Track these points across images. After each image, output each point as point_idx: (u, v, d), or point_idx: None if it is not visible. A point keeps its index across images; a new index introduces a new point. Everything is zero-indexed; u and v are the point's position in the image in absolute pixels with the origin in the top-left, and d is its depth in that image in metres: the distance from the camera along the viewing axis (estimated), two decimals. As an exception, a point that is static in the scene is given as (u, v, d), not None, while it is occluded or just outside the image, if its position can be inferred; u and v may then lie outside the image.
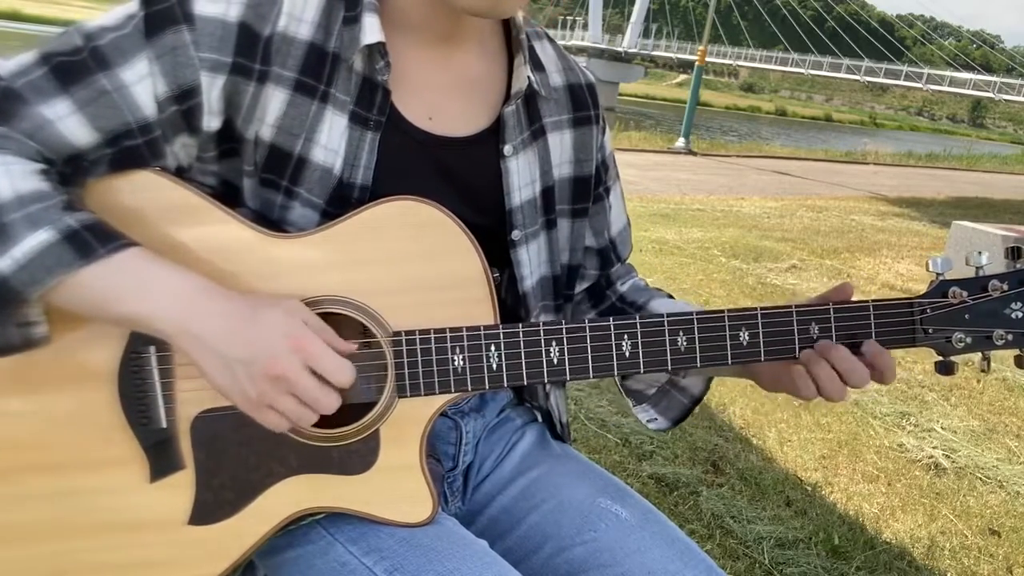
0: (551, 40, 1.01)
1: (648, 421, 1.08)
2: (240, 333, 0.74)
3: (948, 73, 65.17)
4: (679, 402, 1.05)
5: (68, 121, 0.75)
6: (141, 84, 0.77)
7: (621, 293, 1.09)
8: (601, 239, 1.08)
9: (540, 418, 1.08)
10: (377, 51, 0.83)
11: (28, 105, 0.74)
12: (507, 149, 0.91)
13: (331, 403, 0.76)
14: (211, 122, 0.81)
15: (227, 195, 0.85)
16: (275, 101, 0.82)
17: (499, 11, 0.84)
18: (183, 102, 0.79)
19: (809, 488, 2.56)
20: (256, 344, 0.73)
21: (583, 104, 1.00)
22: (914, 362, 3.87)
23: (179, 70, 0.78)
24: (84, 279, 0.72)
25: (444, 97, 0.90)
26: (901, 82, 61.74)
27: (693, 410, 1.05)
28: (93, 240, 0.73)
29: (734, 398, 3.13)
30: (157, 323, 0.74)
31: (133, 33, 0.77)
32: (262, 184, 0.85)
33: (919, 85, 60.89)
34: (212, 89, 0.80)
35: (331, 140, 0.84)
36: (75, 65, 0.76)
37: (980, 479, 2.79)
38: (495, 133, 0.91)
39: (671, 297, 1.08)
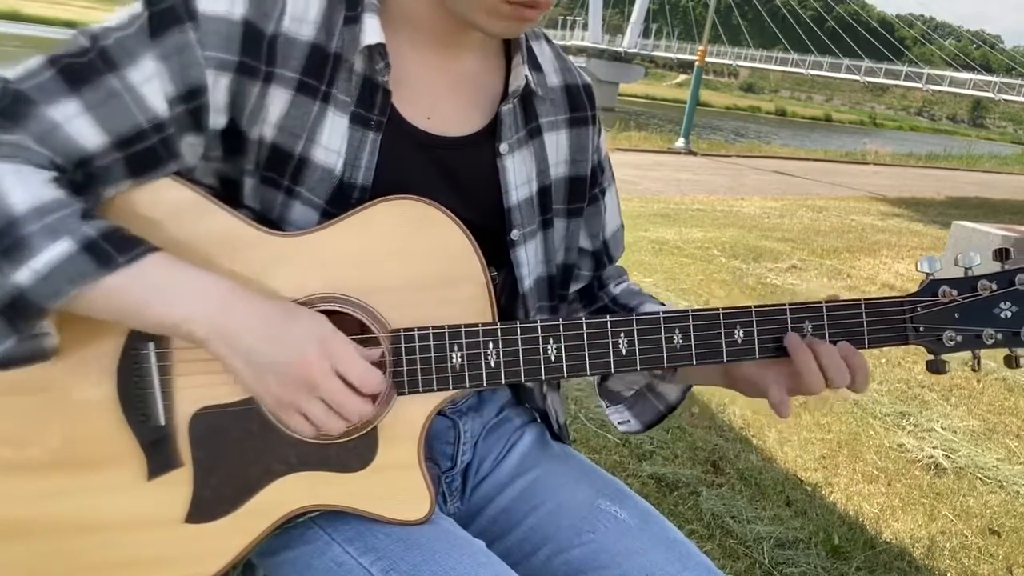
0: (549, 41, 1.01)
1: (620, 423, 1.09)
2: (272, 335, 0.74)
3: (948, 73, 65.20)
4: (654, 407, 1.05)
5: (76, 122, 0.75)
6: (149, 84, 0.77)
7: (614, 295, 1.09)
8: (596, 241, 1.08)
9: (538, 418, 1.08)
10: (377, 52, 0.83)
11: (36, 107, 0.74)
12: (503, 147, 0.91)
13: (358, 409, 0.76)
14: (217, 120, 0.81)
15: (226, 194, 0.85)
16: (278, 101, 0.82)
17: (520, 32, 0.86)
18: (190, 101, 0.79)
19: (809, 488, 2.56)
20: (287, 347, 0.74)
21: (580, 105, 1.00)
22: (914, 362, 3.87)
23: (185, 70, 0.77)
24: (106, 288, 0.72)
25: (442, 97, 0.90)
26: (901, 82, 61.77)
27: (667, 417, 1.05)
28: (112, 249, 0.72)
29: (734, 398, 3.13)
30: (188, 326, 0.74)
31: (138, 33, 0.77)
32: (263, 182, 0.84)
33: (919, 85, 60.89)
34: (217, 88, 0.79)
35: (332, 141, 0.84)
36: (83, 66, 0.75)
37: (980, 479, 2.79)
38: (492, 132, 0.91)
39: (662, 304, 1.08)
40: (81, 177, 0.76)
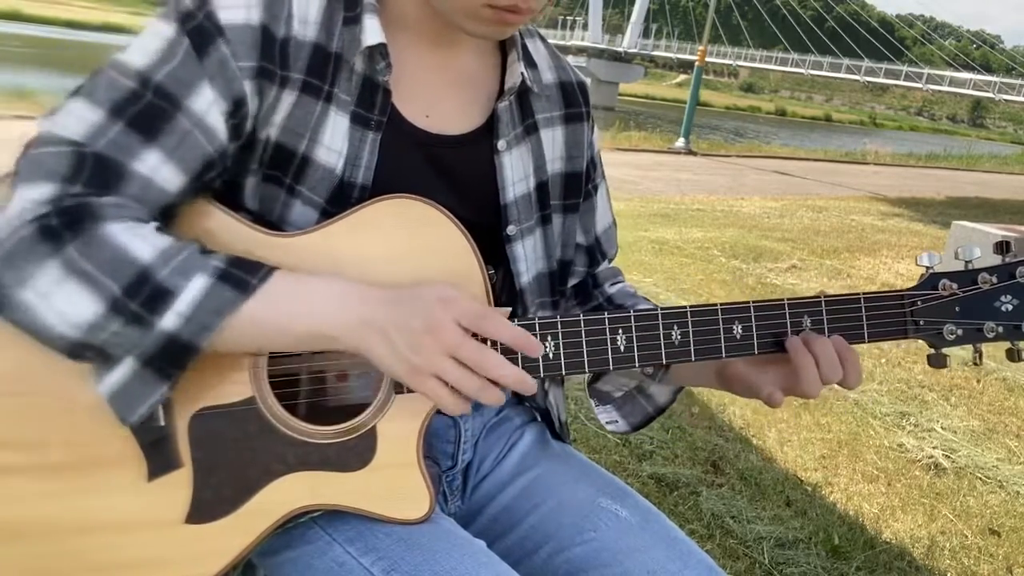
0: (543, 39, 1.01)
1: (608, 423, 1.09)
2: (399, 307, 0.75)
3: (948, 73, 65.24)
4: (643, 409, 1.05)
5: (162, 172, 0.75)
6: (211, 111, 0.77)
7: (609, 295, 1.09)
8: (589, 237, 1.08)
9: (539, 417, 1.08)
10: (378, 52, 0.83)
11: (123, 166, 0.73)
12: (500, 144, 0.91)
13: (494, 364, 0.75)
14: (250, 124, 0.81)
15: (224, 193, 0.85)
16: (285, 102, 0.82)
17: (504, 35, 0.86)
18: (236, 116, 0.79)
19: (809, 488, 2.56)
20: (413, 308, 0.75)
21: (574, 101, 1.01)
22: (914, 362, 3.87)
23: (229, 84, 0.77)
24: (248, 314, 0.72)
25: (440, 95, 0.90)
26: (901, 82, 61.81)
27: (655, 419, 1.06)
28: (243, 274, 0.73)
29: (734, 398, 3.13)
30: (329, 331, 0.75)
31: (186, 59, 0.76)
32: (265, 180, 0.84)
33: (919, 85, 60.92)
34: (251, 95, 0.79)
35: (334, 140, 0.84)
36: (149, 111, 0.74)
37: (980, 479, 2.79)
38: (489, 129, 0.92)
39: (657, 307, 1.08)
40: (164, 220, 0.77)
